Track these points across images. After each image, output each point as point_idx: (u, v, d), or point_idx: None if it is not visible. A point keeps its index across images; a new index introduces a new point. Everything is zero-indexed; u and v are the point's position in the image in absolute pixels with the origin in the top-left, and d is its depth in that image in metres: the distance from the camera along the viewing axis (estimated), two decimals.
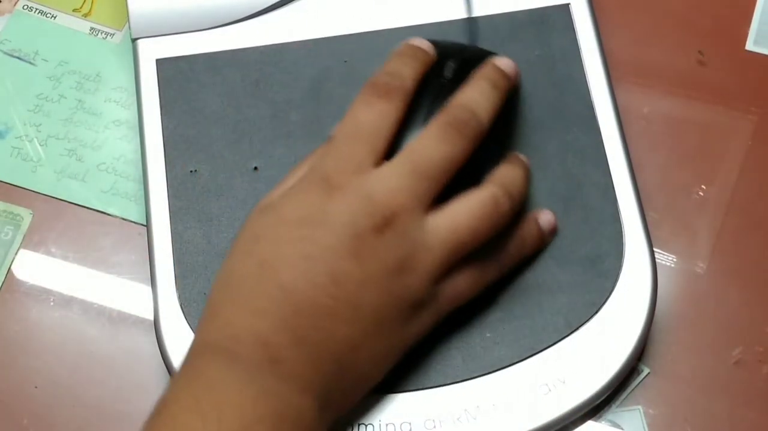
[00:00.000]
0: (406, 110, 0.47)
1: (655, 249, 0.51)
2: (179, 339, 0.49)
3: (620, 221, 0.51)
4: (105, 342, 0.52)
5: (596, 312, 0.49)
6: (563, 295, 0.50)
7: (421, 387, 0.48)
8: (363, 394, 0.46)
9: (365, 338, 0.44)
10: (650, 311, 0.49)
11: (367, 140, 0.46)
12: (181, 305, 0.50)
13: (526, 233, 0.49)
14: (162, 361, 0.49)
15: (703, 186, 0.55)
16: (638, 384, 0.51)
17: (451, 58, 0.50)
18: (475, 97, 0.47)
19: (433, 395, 0.48)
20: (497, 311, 0.49)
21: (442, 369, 0.48)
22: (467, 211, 0.46)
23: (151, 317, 0.50)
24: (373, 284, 0.44)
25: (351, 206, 0.44)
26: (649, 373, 0.51)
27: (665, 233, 0.54)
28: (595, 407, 0.49)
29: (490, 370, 0.48)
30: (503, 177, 0.48)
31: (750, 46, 0.58)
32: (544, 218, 0.50)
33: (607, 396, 0.49)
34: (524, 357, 0.48)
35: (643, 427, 0.50)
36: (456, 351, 0.49)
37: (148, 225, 0.51)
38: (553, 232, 0.50)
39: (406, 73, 0.48)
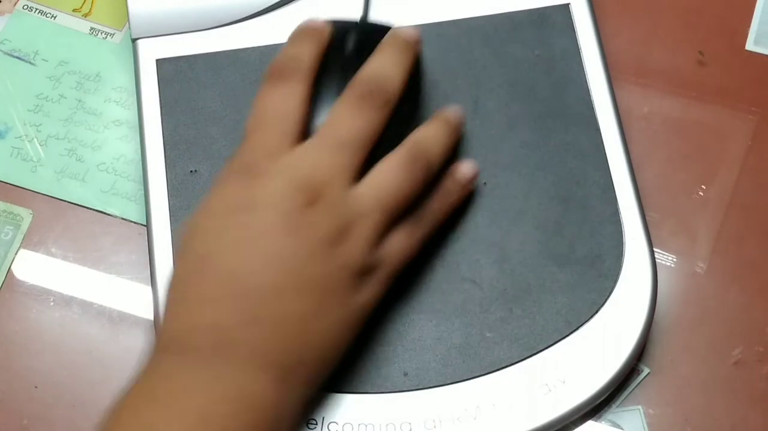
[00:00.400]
0: (310, 89, 0.48)
1: (655, 249, 0.51)
2: None
3: (620, 221, 0.51)
4: (105, 342, 0.52)
5: (596, 312, 0.49)
6: (563, 295, 0.50)
7: (421, 387, 0.48)
8: (330, 366, 0.46)
9: (316, 309, 0.44)
10: (650, 312, 0.49)
11: (277, 124, 0.47)
12: None
13: (448, 184, 0.50)
14: None
15: (703, 186, 0.55)
16: (638, 384, 0.51)
17: (351, 33, 0.50)
18: (383, 66, 0.48)
19: (433, 395, 0.48)
20: (497, 311, 0.49)
21: (442, 369, 0.48)
22: (387, 173, 0.47)
23: (151, 317, 0.50)
24: (313, 257, 0.44)
25: (278, 186, 0.45)
26: (649, 373, 0.51)
27: (665, 233, 0.54)
28: (595, 407, 0.49)
29: (490, 370, 0.48)
30: (418, 136, 0.49)
31: (750, 46, 0.58)
32: (463, 168, 0.51)
33: (607, 396, 0.49)
34: (524, 357, 0.48)
35: (643, 427, 0.50)
36: (456, 351, 0.49)
37: (148, 225, 0.51)
38: (474, 178, 0.51)
39: (302, 53, 0.48)
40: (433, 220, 0.49)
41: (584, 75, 0.54)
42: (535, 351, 0.49)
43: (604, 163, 0.52)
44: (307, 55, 0.48)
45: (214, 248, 0.44)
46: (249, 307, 0.43)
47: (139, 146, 0.54)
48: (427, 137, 0.49)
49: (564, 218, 0.51)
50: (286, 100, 0.47)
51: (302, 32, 0.50)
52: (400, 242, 0.47)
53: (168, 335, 0.44)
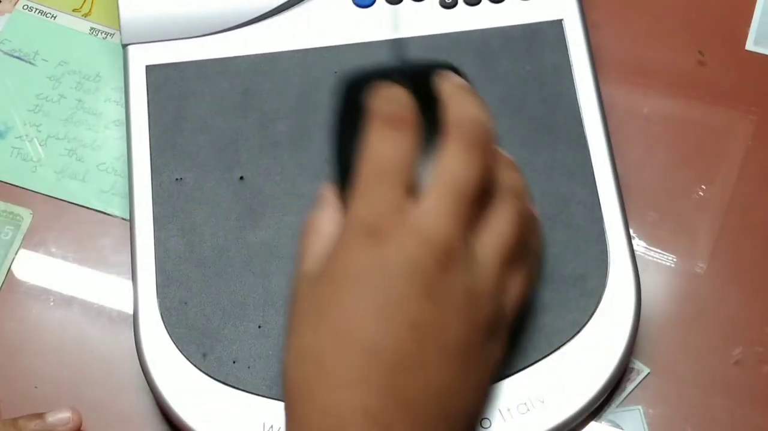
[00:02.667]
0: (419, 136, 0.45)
1: (655, 249, 0.51)
2: (157, 346, 0.49)
3: (605, 241, 0.50)
4: (105, 342, 0.52)
5: (578, 332, 0.49)
6: (545, 314, 0.49)
7: None
8: (473, 428, 0.45)
9: (460, 375, 0.43)
10: (632, 333, 0.49)
11: (398, 178, 0.43)
12: (161, 314, 0.49)
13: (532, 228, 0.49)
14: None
15: (703, 186, 0.55)
16: (638, 384, 0.51)
17: (399, 77, 0.48)
18: (469, 107, 0.46)
19: None
20: None
21: None
22: (504, 220, 0.45)
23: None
24: (453, 321, 0.43)
25: (408, 248, 0.42)
26: (649, 373, 0.51)
27: (665, 233, 0.54)
28: (596, 407, 0.49)
29: None
30: (507, 179, 0.47)
31: (750, 46, 0.58)
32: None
33: (607, 397, 0.49)
34: (504, 376, 0.48)
35: (643, 427, 0.50)
36: None
37: (131, 231, 0.51)
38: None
39: (402, 96, 0.46)
40: (536, 258, 0.48)
41: (575, 92, 0.53)
42: (515, 370, 0.48)
43: (592, 182, 0.52)
44: (408, 99, 0.46)
45: (353, 321, 0.42)
46: (398, 387, 0.41)
47: None
48: (514, 178, 0.47)
49: (549, 236, 0.50)
50: (404, 149, 0.44)
51: (387, 86, 0.46)
52: (519, 285, 0.46)
53: (317, 422, 0.41)
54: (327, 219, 0.46)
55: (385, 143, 0.44)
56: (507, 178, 0.47)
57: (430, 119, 0.45)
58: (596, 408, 0.49)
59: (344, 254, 0.43)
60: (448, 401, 0.42)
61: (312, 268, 0.44)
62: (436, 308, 0.42)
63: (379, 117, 0.45)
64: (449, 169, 0.44)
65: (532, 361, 0.48)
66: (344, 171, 0.45)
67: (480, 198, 0.44)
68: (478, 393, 0.44)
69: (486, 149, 0.45)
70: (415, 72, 0.48)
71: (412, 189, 0.44)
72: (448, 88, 0.47)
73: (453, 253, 0.43)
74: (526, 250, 0.47)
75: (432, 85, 0.47)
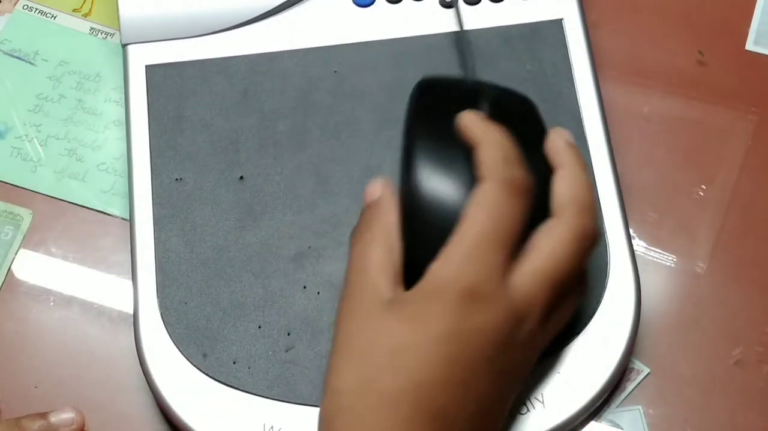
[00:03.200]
0: None
1: (655, 249, 0.51)
2: (157, 346, 0.49)
3: (606, 243, 0.50)
4: (105, 342, 0.52)
5: (578, 334, 0.49)
6: None
7: None
8: None
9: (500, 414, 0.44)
10: (632, 334, 0.49)
11: (507, 244, 0.43)
12: (161, 314, 0.49)
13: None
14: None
15: (703, 186, 0.55)
16: (638, 384, 0.51)
17: (479, 101, 0.47)
18: (586, 195, 0.45)
19: None
20: None
21: None
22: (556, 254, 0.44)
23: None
24: (509, 393, 0.44)
25: (500, 324, 0.42)
26: (649, 373, 0.51)
27: (665, 233, 0.54)
28: (596, 408, 0.49)
29: None
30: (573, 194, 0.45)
31: (750, 46, 0.58)
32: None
33: (607, 397, 0.49)
34: None
35: (643, 427, 0.50)
36: None
37: (131, 231, 0.51)
38: None
39: (517, 157, 0.44)
40: (582, 281, 0.47)
41: (575, 92, 0.53)
42: None
43: (592, 182, 0.51)
44: (519, 158, 0.44)
45: (431, 377, 0.41)
46: None
47: None
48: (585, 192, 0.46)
49: None
50: (520, 217, 0.43)
51: (505, 137, 0.45)
52: (560, 315, 0.45)
53: None
54: (385, 248, 0.44)
55: (506, 208, 0.43)
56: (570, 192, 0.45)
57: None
58: (596, 408, 0.49)
59: (435, 304, 0.42)
60: None
61: (380, 286, 0.43)
62: (502, 385, 0.43)
63: (504, 180, 0.43)
64: (555, 256, 0.43)
65: None
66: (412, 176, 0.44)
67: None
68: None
69: (592, 248, 0.44)
70: (501, 100, 0.47)
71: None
72: (564, 151, 0.45)
73: (529, 333, 0.43)
74: (579, 275, 0.46)
75: (514, 117, 0.46)
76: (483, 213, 0.42)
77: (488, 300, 0.42)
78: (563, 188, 0.44)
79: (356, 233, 0.46)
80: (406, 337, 0.42)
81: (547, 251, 0.43)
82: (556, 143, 0.46)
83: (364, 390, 0.41)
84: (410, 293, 0.43)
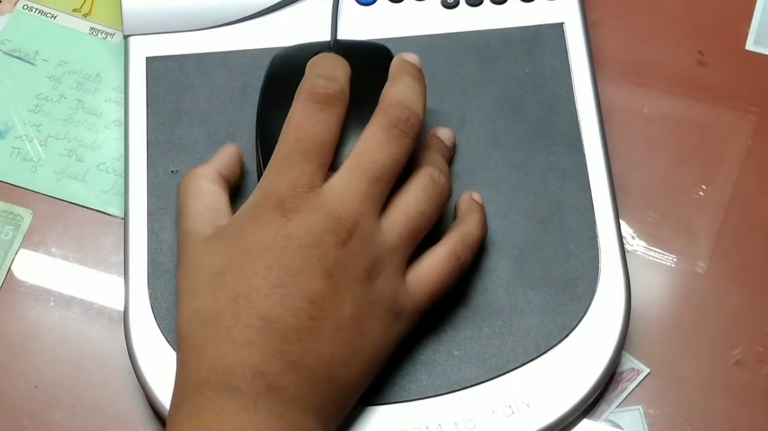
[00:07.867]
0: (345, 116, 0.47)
1: (655, 249, 0.51)
2: (147, 337, 0.49)
3: (597, 246, 0.50)
4: (105, 342, 0.52)
5: (566, 336, 0.49)
6: (534, 317, 0.49)
7: (382, 402, 0.48)
8: (354, 403, 0.46)
9: (352, 351, 0.44)
10: (621, 338, 0.49)
11: (315, 156, 0.45)
12: (151, 305, 0.49)
13: (464, 210, 0.50)
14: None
15: (703, 186, 0.55)
16: (638, 384, 0.51)
17: (348, 55, 0.49)
18: (406, 93, 0.47)
19: (394, 410, 0.48)
20: (466, 330, 0.49)
21: (405, 384, 0.48)
22: (413, 198, 0.46)
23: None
24: (348, 297, 0.44)
25: (312, 226, 0.44)
26: (649, 373, 0.51)
27: (665, 233, 0.54)
28: (595, 407, 0.49)
29: (455, 388, 0.48)
30: (432, 157, 0.48)
31: (750, 46, 0.58)
32: (476, 196, 0.51)
33: (601, 399, 0.49)
34: (489, 378, 0.48)
35: (643, 427, 0.50)
36: (422, 367, 0.48)
37: (125, 222, 0.51)
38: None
39: (341, 75, 0.47)
40: (457, 246, 0.48)
41: (573, 96, 0.53)
42: (502, 372, 0.48)
43: (586, 186, 0.51)
44: (344, 78, 0.47)
45: (249, 290, 0.44)
46: (289, 352, 0.43)
47: None
48: (435, 160, 0.49)
49: (541, 239, 0.51)
50: (327, 128, 0.46)
51: (329, 56, 0.49)
52: (430, 270, 0.47)
53: (206, 373, 0.43)
54: (206, 179, 0.48)
55: (309, 120, 0.46)
56: (431, 156, 0.49)
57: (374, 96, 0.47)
58: (590, 409, 0.49)
59: (251, 223, 0.45)
60: (336, 368, 0.44)
61: (199, 228, 0.47)
62: (332, 284, 0.44)
63: (308, 93, 0.46)
64: (364, 148, 0.46)
65: (519, 364, 0.48)
66: (267, 145, 0.47)
67: (395, 180, 0.46)
68: (368, 369, 0.46)
69: (409, 133, 0.46)
70: (359, 49, 0.50)
71: (328, 167, 0.45)
72: (397, 68, 0.48)
73: (354, 230, 0.44)
74: (454, 235, 0.48)
75: (381, 63, 0.49)
76: (288, 128, 0.46)
77: (297, 208, 0.44)
78: (383, 93, 0.47)
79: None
80: (221, 262, 0.45)
81: (358, 147, 0.46)
82: (395, 62, 0.49)
83: (191, 319, 0.45)
84: (227, 223, 0.47)
